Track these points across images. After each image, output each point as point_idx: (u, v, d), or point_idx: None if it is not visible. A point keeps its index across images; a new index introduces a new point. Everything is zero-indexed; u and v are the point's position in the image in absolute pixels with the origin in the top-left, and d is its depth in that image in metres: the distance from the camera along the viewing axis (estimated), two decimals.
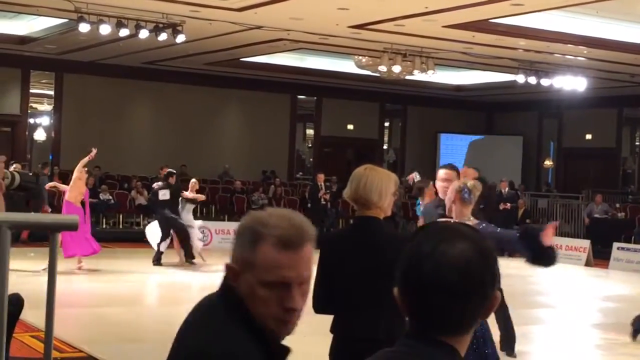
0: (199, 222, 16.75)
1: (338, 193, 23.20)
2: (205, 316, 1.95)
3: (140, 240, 17.00)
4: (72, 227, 1.97)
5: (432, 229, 1.77)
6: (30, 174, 14.60)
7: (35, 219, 2.04)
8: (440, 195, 6.25)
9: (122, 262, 15.58)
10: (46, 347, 1.99)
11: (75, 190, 13.80)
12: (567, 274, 17.24)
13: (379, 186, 4.08)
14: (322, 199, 21.11)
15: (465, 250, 1.68)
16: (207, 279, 13.85)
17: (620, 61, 19.64)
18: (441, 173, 6.30)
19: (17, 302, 6.02)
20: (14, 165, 15.61)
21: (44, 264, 13.33)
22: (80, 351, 8.45)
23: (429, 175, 8.13)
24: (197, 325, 1.94)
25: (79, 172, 13.91)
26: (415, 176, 8.67)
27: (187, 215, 15.74)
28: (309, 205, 22.00)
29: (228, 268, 1.97)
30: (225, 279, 1.98)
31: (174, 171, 16.42)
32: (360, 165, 4.31)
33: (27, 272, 13.00)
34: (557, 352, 9.78)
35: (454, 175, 6.20)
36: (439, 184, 6.24)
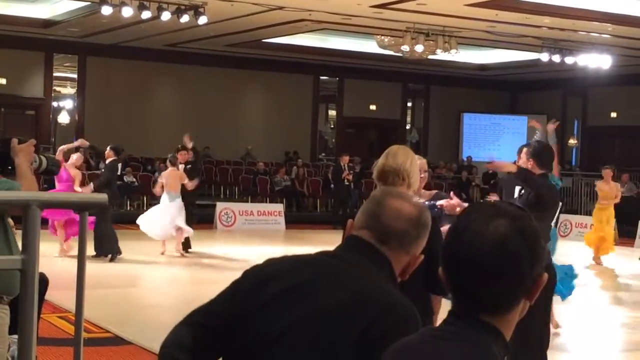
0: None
1: (361, 173, 23.20)
2: (371, 274, 2.18)
3: None
4: (101, 206, 1.96)
5: (472, 208, 1.76)
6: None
7: (64, 198, 2.03)
8: None
9: (147, 243, 15.63)
10: (77, 329, 2.00)
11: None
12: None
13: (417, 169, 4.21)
14: (346, 180, 21.08)
15: (501, 227, 1.66)
16: (232, 260, 13.90)
17: None
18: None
19: (41, 282, 6.07)
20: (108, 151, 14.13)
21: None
22: (107, 331, 8.51)
23: None
24: (371, 282, 2.17)
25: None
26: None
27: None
28: (332, 186, 22.00)
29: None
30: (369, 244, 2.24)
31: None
32: (382, 145, 4.37)
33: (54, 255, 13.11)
34: (583, 330, 9.74)
35: None
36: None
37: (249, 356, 2.17)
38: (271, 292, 2.17)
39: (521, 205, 5.00)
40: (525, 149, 6.45)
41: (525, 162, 6.32)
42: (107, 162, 14.17)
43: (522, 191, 6.36)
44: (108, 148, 14.09)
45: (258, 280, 2.22)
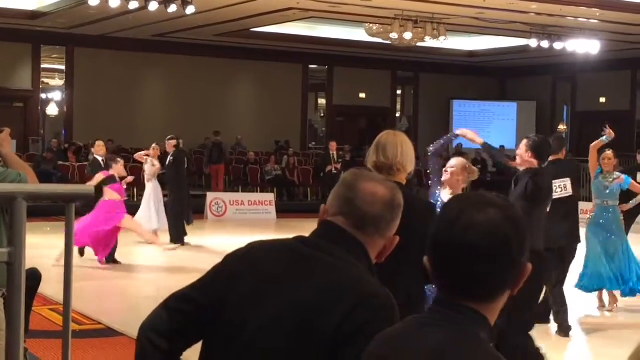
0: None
1: (352, 162, 23.18)
2: (346, 263, 2.14)
3: None
4: (87, 197, 1.96)
5: (460, 197, 1.80)
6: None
7: (50, 189, 2.03)
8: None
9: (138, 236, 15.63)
10: (65, 320, 1.99)
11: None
12: (582, 235, 17.15)
13: (411, 152, 4.16)
14: (334, 169, 20.99)
15: (492, 214, 1.70)
16: (223, 250, 13.90)
17: (634, 23, 19.46)
18: None
19: (34, 277, 6.07)
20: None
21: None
22: (99, 323, 8.52)
23: None
24: (346, 273, 2.12)
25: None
26: None
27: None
28: (322, 174, 21.98)
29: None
30: (346, 232, 2.20)
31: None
32: (372, 133, 4.31)
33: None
34: (574, 315, 9.78)
35: None
36: None
37: (226, 349, 2.16)
38: (250, 283, 2.17)
39: (521, 195, 5.10)
40: (525, 141, 6.68)
41: (524, 153, 6.55)
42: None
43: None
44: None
45: (238, 269, 2.21)
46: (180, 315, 2.21)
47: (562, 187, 8.34)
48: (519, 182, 6.49)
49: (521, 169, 6.63)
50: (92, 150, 13.94)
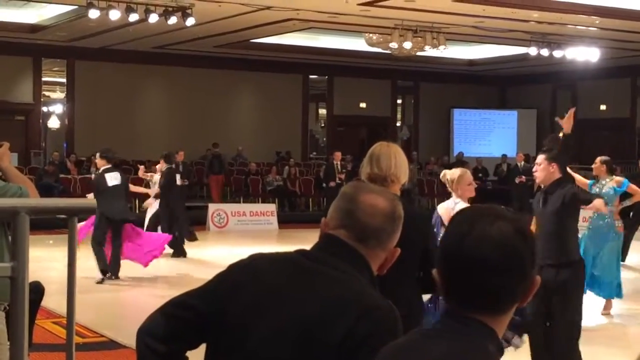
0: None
1: (353, 172, 23.17)
2: (348, 277, 2.15)
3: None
4: (90, 211, 1.97)
5: (469, 211, 1.80)
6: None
7: (52, 203, 2.04)
8: None
9: None
10: (68, 334, 2.00)
11: None
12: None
13: (404, 163, 4.12)
14: (338, 179, 20.96)
15: (503, 227, 1.70)
16: (226, 261, 13.89)
17: (633, 30, 19.49)
18: None
19: (37, 290, 6.08)
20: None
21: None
22: (102, 336, 8.50)
23: None
24: (348, 286, 2.12)
25: None
26: None
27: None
28: (324, 185, 21.96)
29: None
30: (347, 244, 2.20)
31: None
32: (373, 143, 4.28)
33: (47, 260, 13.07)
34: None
35: None
36: None
37: (228, 358, 2.16)
38: (252, 293, 2.17)
39: (558, 209, 5.00)
40: (543, 155, 6.43)
41: (547, 166, 6.32)
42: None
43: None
44: (98, 155, 12.88)
45: (241, 279, 2.21)
46: (176, 321, 2.21)
47: None
48: (550, 197, 6.26)
49: (539, 184, 6.50)
50: (96, 162, 13.69)
